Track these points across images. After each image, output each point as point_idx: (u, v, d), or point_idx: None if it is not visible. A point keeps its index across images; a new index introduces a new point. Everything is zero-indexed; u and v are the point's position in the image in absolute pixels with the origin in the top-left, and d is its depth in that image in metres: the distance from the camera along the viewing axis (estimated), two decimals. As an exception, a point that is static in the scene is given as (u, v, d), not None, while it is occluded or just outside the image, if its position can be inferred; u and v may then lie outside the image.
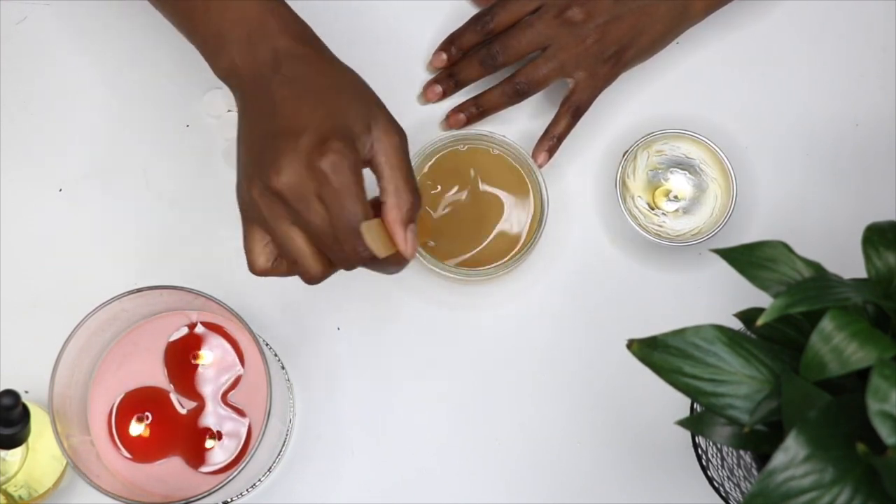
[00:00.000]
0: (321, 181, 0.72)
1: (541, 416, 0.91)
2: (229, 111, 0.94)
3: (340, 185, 0.72)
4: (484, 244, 0.91)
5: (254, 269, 0.77)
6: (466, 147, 0.92)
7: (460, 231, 0.91)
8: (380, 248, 0.73)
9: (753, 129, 0.95)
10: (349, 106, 0.75)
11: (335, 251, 0.74)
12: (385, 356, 0.92)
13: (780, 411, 0.67)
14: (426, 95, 0.94)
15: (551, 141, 0.92)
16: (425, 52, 0.96)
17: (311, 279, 0.75)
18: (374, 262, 0.75)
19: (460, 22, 0.94)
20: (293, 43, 0.77)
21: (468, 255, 0.91)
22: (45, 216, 0.93)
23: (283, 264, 0.77)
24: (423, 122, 0.95)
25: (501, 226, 0.91)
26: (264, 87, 0.76)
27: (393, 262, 0.75)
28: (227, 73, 0.79)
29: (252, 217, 0.75)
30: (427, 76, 0.96)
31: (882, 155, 0.95)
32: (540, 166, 0.91)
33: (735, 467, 0.82)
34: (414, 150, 0.90)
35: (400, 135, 0.76)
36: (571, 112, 0.92)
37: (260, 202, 0.73)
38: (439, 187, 0.92)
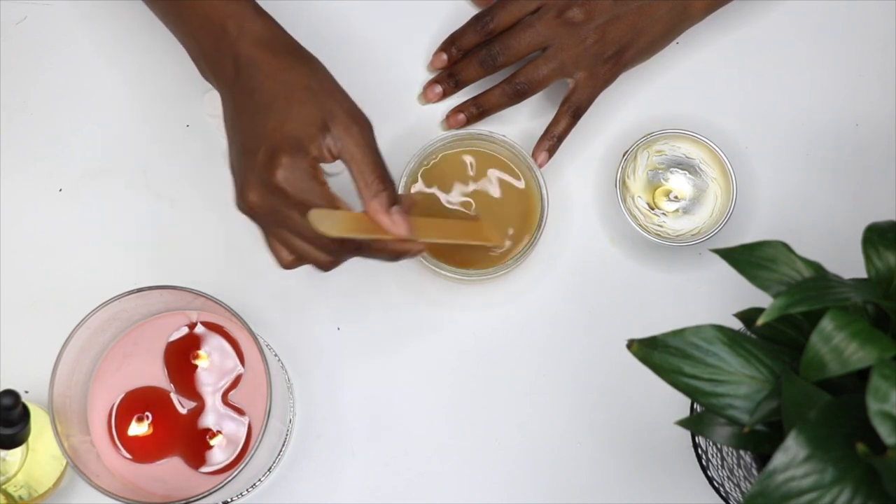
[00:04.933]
0: (281, 194, 0.75)
1: (540, 416, 0.91)
2: (229, 111, 0.94)
3: (297, 192, 0.75)
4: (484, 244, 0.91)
5: (281, 265, 0.80)
6: (466, 147, 0.92)
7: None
8: (336, 228, 0.76)
9: (753, 129, 0.95)
10: (300, 111, 0.77)
11: (336, 250, 0.78)
12: (385, 356, 0.92)
13: (780, 411, 0.67)
14: (426, 96, 0.95)
15: (551, 141, 0.92)
16: (425, 53, 0.96)
17: (324, 268, 0.79)
18: (372, 251, 0.79)
19: (460, 22, 0.94)
20: (250, 48, 0.79)
21: (468, 255, 0.91)
22: (45, 216, 0.93)
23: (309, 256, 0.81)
24: (422, 123, 0.95)
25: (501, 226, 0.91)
26: (230, 97, 0.80)
27: (394, 248, 0.79)
28: (207, 78, 0.83)
29: (263, 228, 0.80)
30: (427, 76, 0.96)
31: (882, 155, 0.95)
32: (540, 166, 0.91)
33: (735, 467, 0.82)
34: (413, 150, 0.91)
35: (360, 125, 0.78)
36: (571, 112, 0.92)
37: (250, 216, 0.78)
38: (437, 188, 0.92)
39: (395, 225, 0.78)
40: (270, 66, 0.79)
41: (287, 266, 0.80)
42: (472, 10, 0.95)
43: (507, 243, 0.91)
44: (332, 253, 0.78)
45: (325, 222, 0.75)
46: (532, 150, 0.92)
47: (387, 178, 0.78)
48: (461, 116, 0.93)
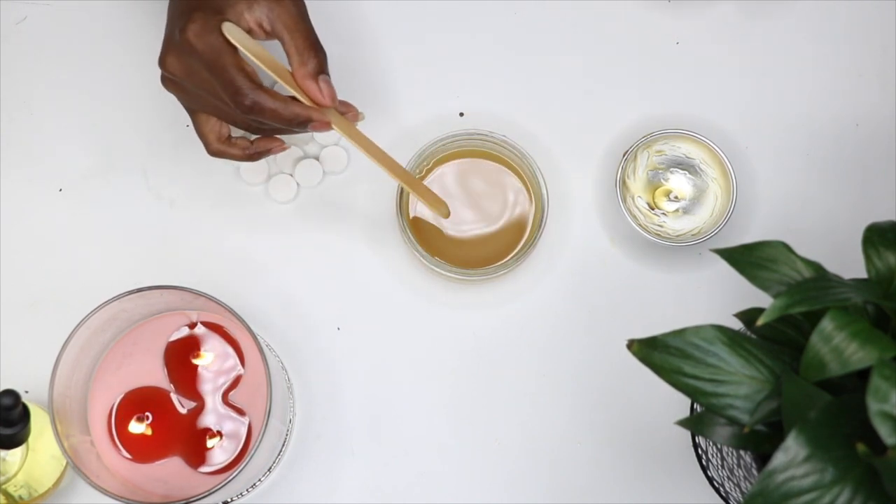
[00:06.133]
0: (192, 52, 0.77)
1: (540, 416, 0.91)
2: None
3: (206, 46, 0.77)
4: (484, 244, 0.91)
5: (209, 151, 0.85)
6: (465, 147, 0.92)
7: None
8: (246, 45, 0.78)
9: (753, 129, 0.95)
10: None
11: (236, 108, 0.78)
12: (385, 356, 0.92)
13: (780, 411, 0.67)
14: None
15: None
16: (422, 53, 0.95)
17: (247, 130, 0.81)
18: (278, 114, 0.78)
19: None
20: None
21: (468, 254, 0.91)
22: (45, 216, 0.93)
23: (235, 147, 0.84)
24: (420, 124, 0.95)
25: (501, 225, 0.91)
26: None
27: (298, 111, 0.79)
28: None
29: (188, 106, 0.81)
30: (428, 76, 0.95)
31: (882, 155, 0.95)
32: None
33: (735, 467, 0.82)
34: (412, 151, 0.91)
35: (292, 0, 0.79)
36: None
37: (176, 91, 0.81)
38: (437, 187, 0.92)
39: (319, 91, 0.79)
40: None
41: (213, 152, 0.83)
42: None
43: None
44: (251, 110, 0.78)
45: (237, 35, 0.77)
46: None
47: (318, 47, 0.79)
48: None
